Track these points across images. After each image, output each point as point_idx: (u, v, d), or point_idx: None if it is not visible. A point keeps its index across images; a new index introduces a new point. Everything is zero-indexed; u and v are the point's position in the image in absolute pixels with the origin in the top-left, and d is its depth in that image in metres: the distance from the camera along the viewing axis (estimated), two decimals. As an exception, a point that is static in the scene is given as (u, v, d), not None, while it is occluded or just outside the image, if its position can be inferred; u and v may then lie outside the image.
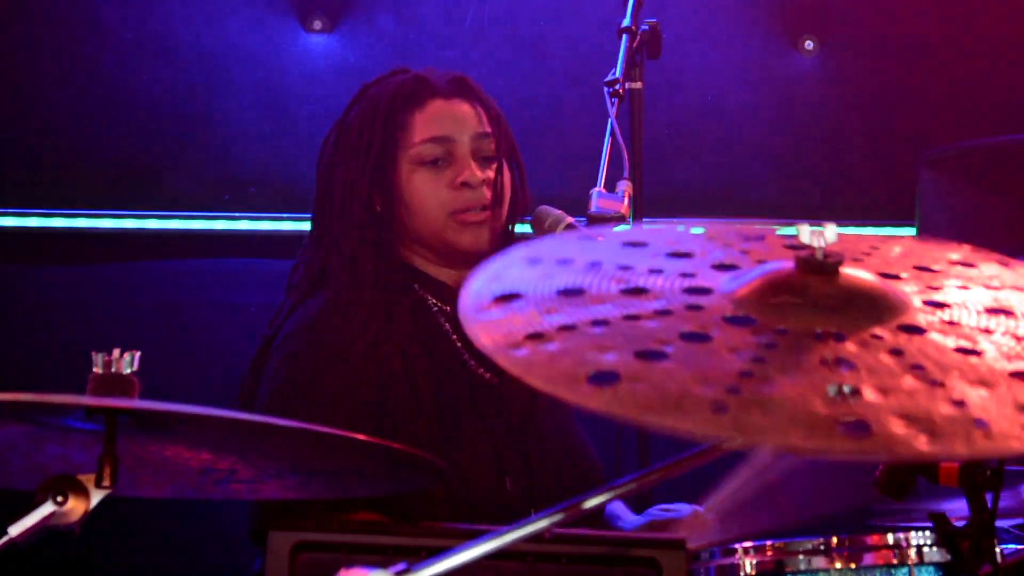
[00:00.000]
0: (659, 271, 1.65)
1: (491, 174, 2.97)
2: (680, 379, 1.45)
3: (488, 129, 2.99)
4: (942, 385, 1.46)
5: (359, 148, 2.96)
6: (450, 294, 2.95)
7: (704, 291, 1.61)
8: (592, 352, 1.49)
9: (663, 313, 1.56)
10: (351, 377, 2.80)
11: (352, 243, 2.92)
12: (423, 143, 2.95)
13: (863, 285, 1.62)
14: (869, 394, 1.44)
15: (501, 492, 2.81)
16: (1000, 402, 1.44)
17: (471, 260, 2.90)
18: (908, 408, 1.42)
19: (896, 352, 1.52)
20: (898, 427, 1.39)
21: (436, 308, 2.95)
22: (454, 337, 2.92)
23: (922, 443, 1.38)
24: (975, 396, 1.45)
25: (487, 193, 2.94)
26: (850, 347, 1.52)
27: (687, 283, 1.62)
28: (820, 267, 1.61)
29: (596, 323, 1.54)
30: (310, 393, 2.79)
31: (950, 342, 1.55)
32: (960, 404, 1.44)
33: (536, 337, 1.52)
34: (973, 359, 1.51)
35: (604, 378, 1.45)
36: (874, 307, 1.60)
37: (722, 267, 1.67)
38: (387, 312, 2.88)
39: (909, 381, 1.47)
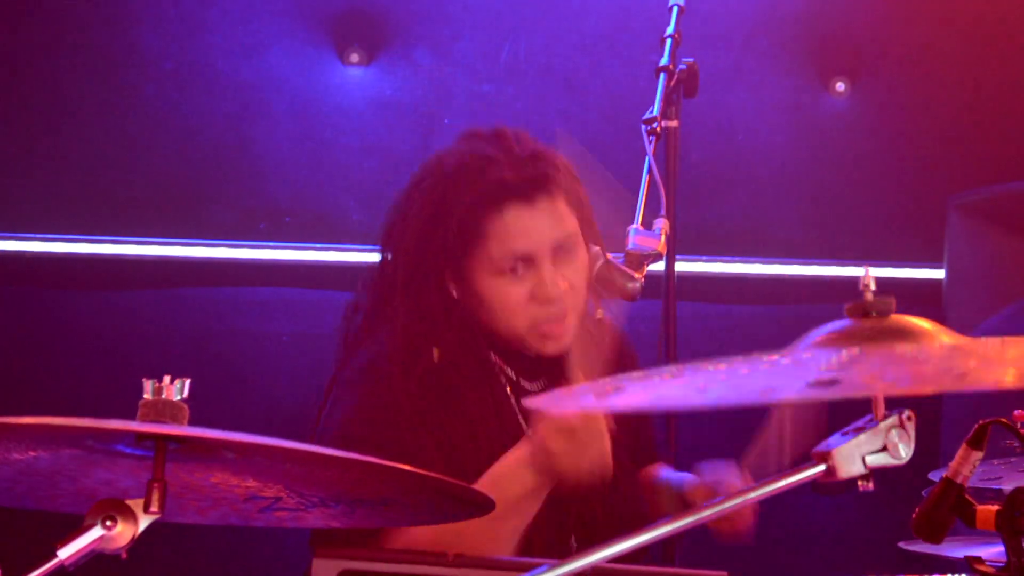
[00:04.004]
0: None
1: (571, 276, 2.81)
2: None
3: (569, 229, 2.81)
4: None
5: (434, 240, 2.79)
6: (524, 362, 2.85)
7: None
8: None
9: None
10: (424, 421, 2.72)
11: (429, 316, 2.79)
12: (502, 257, 2.77)
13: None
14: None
15: (564, 550, 2.73)
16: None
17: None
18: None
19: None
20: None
21: (505, 380, 2.84)
22: (518, 412, 2.82)
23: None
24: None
25: (568, 302, 2.79)
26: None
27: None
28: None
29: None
30: (385, 430, 2.70)
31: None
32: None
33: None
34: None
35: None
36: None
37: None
38: (461, 370, 2.79)
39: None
